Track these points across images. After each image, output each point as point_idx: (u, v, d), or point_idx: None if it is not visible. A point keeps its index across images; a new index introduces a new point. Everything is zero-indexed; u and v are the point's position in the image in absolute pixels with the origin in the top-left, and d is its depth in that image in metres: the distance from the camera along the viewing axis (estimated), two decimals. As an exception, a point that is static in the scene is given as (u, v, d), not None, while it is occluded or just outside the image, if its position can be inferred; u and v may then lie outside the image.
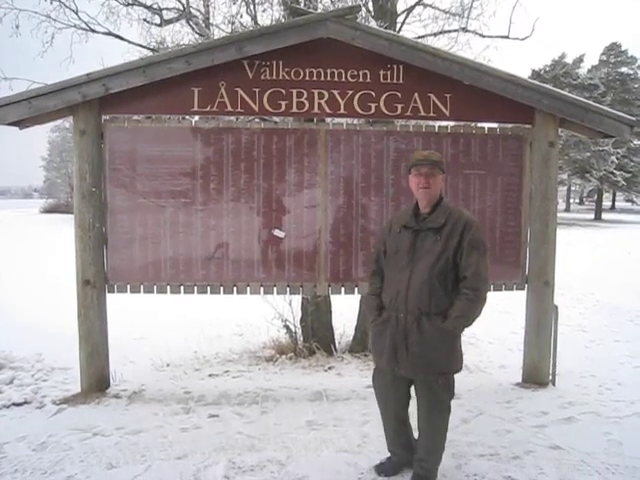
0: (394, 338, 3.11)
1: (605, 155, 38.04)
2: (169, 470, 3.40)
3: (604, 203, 45.62)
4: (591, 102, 4.89)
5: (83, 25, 7.32)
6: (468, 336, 7.04)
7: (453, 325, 3.04)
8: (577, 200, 67.39)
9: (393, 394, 3.26)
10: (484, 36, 7.80)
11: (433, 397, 3.15)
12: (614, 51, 43.61)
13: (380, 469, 3.39)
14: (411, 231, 3.18)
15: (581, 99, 4.86)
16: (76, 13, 7.26)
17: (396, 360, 3.12)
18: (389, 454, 3.44)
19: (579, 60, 43.09)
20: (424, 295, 3.06)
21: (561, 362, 5.13)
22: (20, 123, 4.57)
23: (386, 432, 3.40)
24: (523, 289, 5.01)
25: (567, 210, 52.32)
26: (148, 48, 7.56)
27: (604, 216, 41.05)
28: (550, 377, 5.00)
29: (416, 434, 3.31)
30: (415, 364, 3.08)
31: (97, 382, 4.74)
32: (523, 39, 7.58)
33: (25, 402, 4.56)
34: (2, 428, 4.03)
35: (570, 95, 4.87)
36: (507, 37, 7.54)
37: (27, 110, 4.39)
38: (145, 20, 7.81)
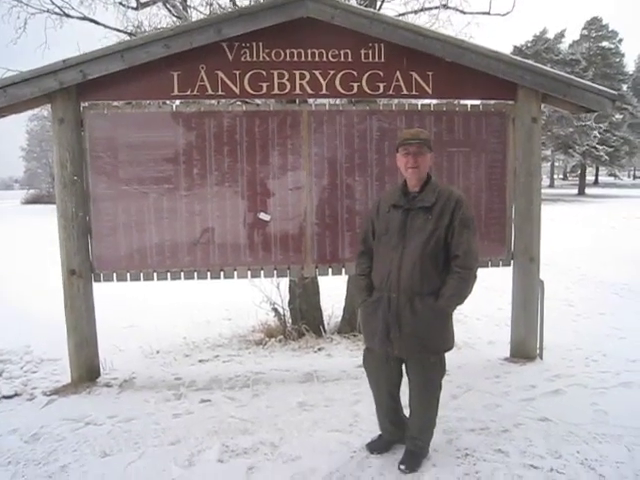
0: (386, 318, 3.10)
1: (587, 130, 38.29)
2: (163, 456, 3.41)
3: (587, 178, 46.02)
4: (573, 77, 4.89)
5: (57, 10, 7.18)
6: (456, 313, 7.04)
7: (446, 304, 3.06)
8: (561, 176, 67.84)
9: (385, 374, 3.27)
10: (465, 13, 7.77)
11: (425, 376, 3.18)
12: (595, 25, 43.69)
13: (372, 447, 3.42)
14: (401, 210, 3.15)
15: (563, 74, 4.86)
16: (49, -3, 7.12)
17: (389, 340, 3.12)
18: (380, 432, 3.47)
19: (560, 35, 43.16)
20: (416, 274, 3.05)
21: (548, 336, 5.19)
22: (-4, 112, 4.49)
23: (378, 411, 3.43)
24: (509, 265, 5.05)
25: (551, 186, 52.70)
26: (125, 32, 7.45)
27: (588, 191, 41.38)
28: (537, 351, 5.07)
29: (407, 411, 3.34)
30: (409, 344, 3.09)
31: (87, 372, 4.73)
32: (504, 15, 7.56)
33: (15, 394, 4.53)
34: (-8, 421, 4.02)
35: (552, 70, 4.87)
36: (488, 13, 7.51)
37: (2, 99, 4.30)
38: (121, 3, 7.68)
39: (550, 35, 42.76)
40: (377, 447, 3.42)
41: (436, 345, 3.15)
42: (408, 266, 3.06)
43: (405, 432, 3.35)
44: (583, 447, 3.41)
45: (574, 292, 8.38)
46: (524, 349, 5.05)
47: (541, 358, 5.04)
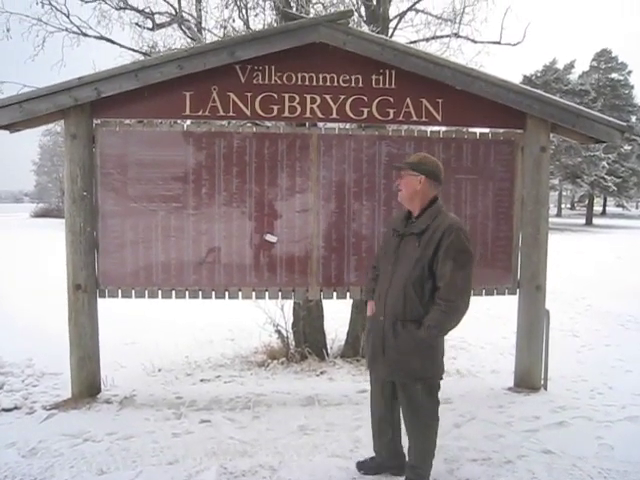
0: (374, 340, 3.19)
1: (596, 160, 38.30)
2: (160, 475, 3.38)
3: (595, 208, 45.93)
4: (582, 107, 4.92)
5: (75, 29, 7.30)
6: (458, 340, 7.07)
7: (427, 334, 3.00)
8: (568, 205, 67.74)
9: (376, 394, 3.34)
10: (476, 42, 7.85)
11: (412, 401, 3.16)
12: (604, 57, 43.98)
13: (361, 466, 3.43)
14: (397, 235, 3.19)
15: (572, 104, 4.89)
16: (67, 17, 7.25)
17: (376, 363, 3.19)
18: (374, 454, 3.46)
19: (570, 66, 43.45)
20: (399, 301, 3.07)
21: (553, 367, 5.13)
22: (11, 127, 4.54)
23: (372, 431, 3.44)
24: (515, 294, 5.02)
25: (559, 215, 52.59)
26: (140, 52, 7.55)
27: (595, 221, 41.28)
28: (542, 382, 5.01)
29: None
30: (390, 367, 3.13)
31: (88, 387, 4.71)
32: (515, 45, 7.64)
33: (15, 407, 4.52)
34: (-9, 434, 4.00)
35: (561, 100, 4.90)
36: (499, 43, 7.59)
37: (18, 113, 4.37)
38: (137, 24, 7.80)
39: (560, 65, 43.06)
40: (365, 467, 3.42)
41: (416, 371, 3.10)
42: (394, 291, 3.10)
43: (403, 461, 3.32)
44: (587, 482, 3.35)
45: (579, 322, 8.32)
46: (528, 379, 4.99)
47: (545, 389, 4.99)
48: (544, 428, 4.14)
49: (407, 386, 3.14)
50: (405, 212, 3.28)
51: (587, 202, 44.09)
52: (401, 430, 3.37)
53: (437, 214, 3.11)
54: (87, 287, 4.61)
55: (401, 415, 3.31)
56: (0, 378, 5.05)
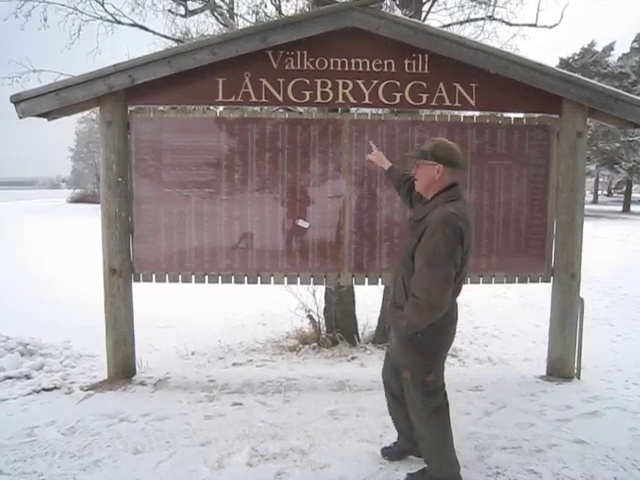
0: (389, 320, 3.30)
1: (635, 145, 37.21)
2: (193, 456, 3.46)
3: (633, 195, 44.71)
4: (621, 91, 4.78)
5: (109, 17, 7.42)
6: (491, 328, 7.03)
7: (400, 324, 2.95)
8: (605, 192, 66.17)
9: (387, 374, 3.37)
10: (511, 24, 7.71)
11: (405, 390, 3.13)
12: (646, 38, 42.49)
13: (385, 452, 3.47)
14: (409, 220, 3.21)
15: (611, 88, 4.75)
16: (102, 5, 7.36)
17: (389, 339, 3.35)
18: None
19: (609, 48, 42.09)
20: (396, 288, 3.10)
21: (587, 356, 5.06)
22: (48, 114, 4.64)
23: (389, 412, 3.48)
24: (548, 281, 4.96)
25: (595, 202, 51.42)
26: (173, 39, 7.62)
27: (633, 208, 40.22)
28: (575, 371, 4.95)
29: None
30: (391, 347, 3.25)
31: (123, 369, 4.83)
32: (551, 27, 7.47)
33: (54, 387, 4.67)
34: (33, 412, 4.15)
35: (599, 84, 4.77)
36: (535, 25, 7.44)
37: (55, 101, 4.46)
38: (170, 11, 7.88)
39: (598, 48, 41.78)
40: (389, 453, 3.46)
41: (400, 360, 3.11)
42: (394, 277, 3.18)
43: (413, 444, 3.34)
44: (620, 473, 3.31)
45: (614, 311, 8.17)
46: (561, 368, 4.94)
47: (579, 378, 4.92)
48: (576, 418, 4.09)
49: (400, 371, 3.13)
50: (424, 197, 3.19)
51: (625, 189, 42.98)
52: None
53: (442, 203, 2.91)
54: (122, 272, 4.71)
55: None
56: (40, 359, 5.22)
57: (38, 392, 4.57)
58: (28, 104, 4.45)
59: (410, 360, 3.02)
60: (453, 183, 3.02)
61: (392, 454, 3.44)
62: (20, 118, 4.51)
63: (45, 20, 7.60)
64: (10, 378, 4.80)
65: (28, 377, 4.86)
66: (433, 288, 2.77)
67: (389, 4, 7.04)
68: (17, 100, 4.42)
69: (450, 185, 3.00)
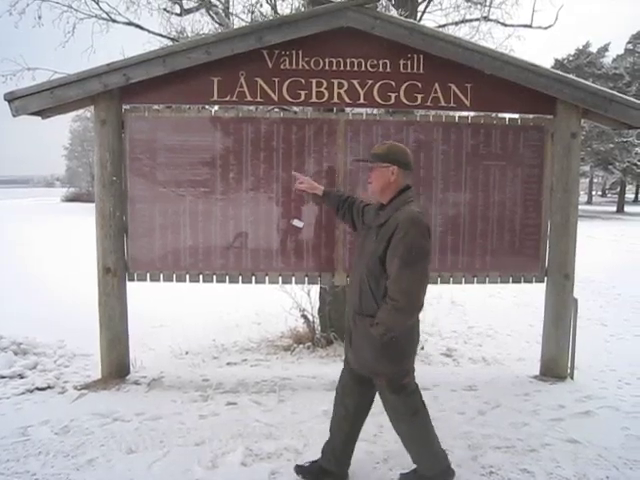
0: (346, 330, 3.20)
1: (629, 146, 37.36)
2: (187, 456, 3.45)
3: (627, 195, 44.90)
4: (615, 92, 4.80)
5: (104, 15, 7.41)
6: (485, 327, 7.05)
7: (375, 331, 2.87)
8: (599, 192, 66.40)
9: (342, 383, 3.26)
10: (506, 25, 7.74)
11: (380, 395, 3.11)
12: (641, 40, 42.66)
13: (298, 470, 3.25)
14: (365, 227, 3.15)
15: (605, 89, 4.77)
16: (97, 3, 7.37)
17: (346, 351, 3.22)
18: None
19: (604, 49, 42.24)
20: (356, 295, 3.03)
21: (580, 356, 5.08)
22: (42, 113, 4.63)
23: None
24: (542, 281, 4.97)
25: (589, 202, 51.58)
26: (168, 38, 7.62)
27: (627, 209, 40.37)
28: (568, 370, 4.97)
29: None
30: (355, 358, 3.08)
31: (117, 369, 4.82)
32: (546, 28, 7.50)
33: (48, 387, 4.66)
34: (26, 411, 4.13)
35: (593, 85, 4.79)
36: (530, 26, 7.46)
37: (49, 100, 4.44)
38: (165, 10, 7.87)
39: (593, 49, 41.91)
40: (303, 471, 3.23)
41: (372, 367, 3.00)
42: (354, 284, 3.10)
43: (348, 468, 3.24)
44: (613, 472, 3.32)
45: (608, 312, 8.20)
46: (555, 368, 4.95)
47: (572, 378, 4.94)
48: (569, 417, 4.11)
49: (371, 378, 3.07)
50: (379, 203, 3.12)
51: (619, 189, 43.15)
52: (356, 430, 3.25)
53: (402, 205, 2.92)
54: (116, 271, 4.70)
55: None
56: (34, 358, 5.20)
57: (31, 391, 4.56)
58: (22, 102, 4.44)
59: (387, 366, 2.95)
60: (407, 185, 3.02)
61: (307, 473, 3.21)
62: (14, 116, 4.50)
63: (39, 18, 7.57)
64: (3, 377, 4.77)
65: (21, 376, 4.83)
66: (412, 287, 2.79)
67: (385, 4, 7.04)
68: (11, 98, 4.41)
69: (405, 187, 3.01)
